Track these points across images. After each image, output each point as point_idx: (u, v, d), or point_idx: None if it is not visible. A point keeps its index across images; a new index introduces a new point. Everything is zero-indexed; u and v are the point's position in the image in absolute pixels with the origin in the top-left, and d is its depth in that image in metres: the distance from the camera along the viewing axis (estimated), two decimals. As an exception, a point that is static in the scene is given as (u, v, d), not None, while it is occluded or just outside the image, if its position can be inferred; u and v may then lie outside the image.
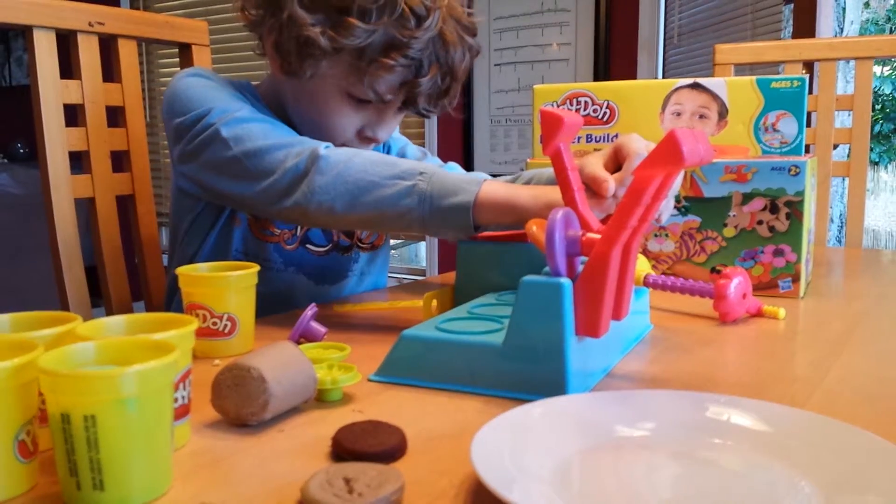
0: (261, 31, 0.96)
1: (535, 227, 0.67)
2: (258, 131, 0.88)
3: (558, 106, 1.11)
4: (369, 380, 0.65)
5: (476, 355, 0.62)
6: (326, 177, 0.82)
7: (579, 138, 1.11)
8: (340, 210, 0.82)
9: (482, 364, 0.61)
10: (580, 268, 0.63)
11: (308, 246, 1.06)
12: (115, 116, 1.19)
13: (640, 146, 0.77)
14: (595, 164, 0.76)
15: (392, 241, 2.44)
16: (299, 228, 1.05)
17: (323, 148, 0.84)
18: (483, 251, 0.82)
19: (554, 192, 0.75)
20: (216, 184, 0.91)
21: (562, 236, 0.59)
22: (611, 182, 0.74)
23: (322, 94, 0.95)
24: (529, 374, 0.60)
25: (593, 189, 0.75)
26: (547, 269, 0.63)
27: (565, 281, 0.59)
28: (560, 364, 0.59)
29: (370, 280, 1.16)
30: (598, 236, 0.59)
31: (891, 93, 5.26)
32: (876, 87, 5.15)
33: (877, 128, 5.54)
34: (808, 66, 1.74)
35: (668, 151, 0.52)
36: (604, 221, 0.73)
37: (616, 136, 1.10)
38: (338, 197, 0.81)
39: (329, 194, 0.81)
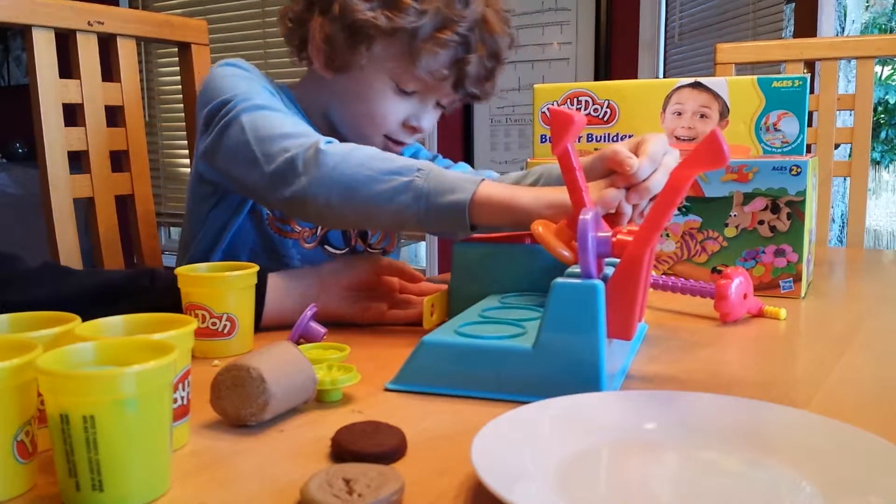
0: (300, 35, 1.00)
1: (540, 228, 0.66)
2: (274, 119, 0.88)
3: (559, 105, 1.11)
4: (386, 388, 0.63)
5: (505, 360, 0.60)
6: (323, 169, 0.81)
7: (580, 138, 1.11)
8: (336, 204, 0.81)
9: (511, 369, 0.60)
10: (606, 269, 0.63)
11: (326, 247, 1.06)
12: (114, 116, 1.19)
13: (659, 144, 0.75)
14: (616, 146, 0.75)
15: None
16: (319, 228, 1.05)
17: (324, 142, 0.83)
18: (479, 253, 0.81)
19: (555, 193, 0.74)
20: (230, 169, 0.90)
21: (594, 237, 0.59)
22: (634, 160, 0.72)
23: (370, 84, 0.98)
24: (562, 377, 0.58)
25: (615, 167, 0.73)
26: (570, 270, 0.63)
27: (599, 283, 0.58)
28: (595, 367, 0.58)
29: None
30: (629, 237, 0.59)
31: (884, 97, 5.25)
32: (886, 94, 5.16)
33: (883, 133, 5.53)
34: (810, 65, 1.74)
35: (711, 151, 0.52)
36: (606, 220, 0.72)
37: (617, 135, 1.10)
38: (333, 190, 0.80)
39: (325, 187, 0.80)
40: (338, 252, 1.08)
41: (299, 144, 0.84)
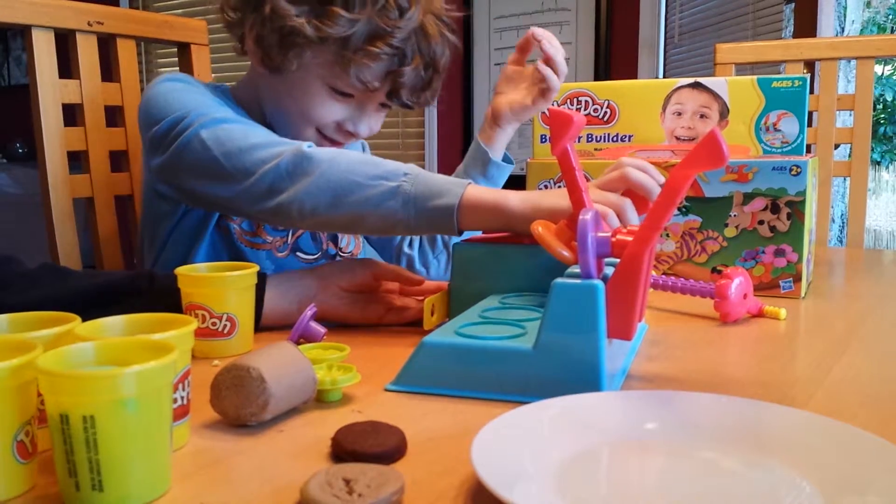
0: (241, 30, 0.97)
1: (540, 228, 0.66)
2: (238, 132, 0.86)
3: (559, 106, 1.11)
4: (386, 389, 0.63)
5: (505, 360, 0.60)
6: (310, 177, 0.80)
7: (580, 138, 1.11)
8: (323, 211, 0.80)
9: (511, 370, 0.60)
10: (607, 269, 0.63)
11: (298, 254, 1.05)
12: (114, 116, 1.19)
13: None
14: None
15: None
16: (290, 236, 1.03)
17: (306, 147, 0.82)
18: (479, 253, 0.81)
19: (543, 196, 0.75)
20: (195, 186, 0.88)
21: (593, 237, 0.59)
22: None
23: (304, 87, 0.95)
24: (562, 378, 0.58)
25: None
26: (570, 270, 0.63)
27: (599, 283, 0.58)
28: (595, 367, 0.58)
29: None
30: (629, 237, 0.59)
31: (893, 100, 5.25)
32: (882, 92, 5.15)
33: (881, 129, 5.53)
34: (810, 65, 1.74)
35: (710, 151, 0.52)
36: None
37: (617, 135, 1.10)
38: (321, 197, 0.79)
39: (312, 194, 0.80)
40: (310, 257, 1.06)
41: (278, 153, 0.82)
